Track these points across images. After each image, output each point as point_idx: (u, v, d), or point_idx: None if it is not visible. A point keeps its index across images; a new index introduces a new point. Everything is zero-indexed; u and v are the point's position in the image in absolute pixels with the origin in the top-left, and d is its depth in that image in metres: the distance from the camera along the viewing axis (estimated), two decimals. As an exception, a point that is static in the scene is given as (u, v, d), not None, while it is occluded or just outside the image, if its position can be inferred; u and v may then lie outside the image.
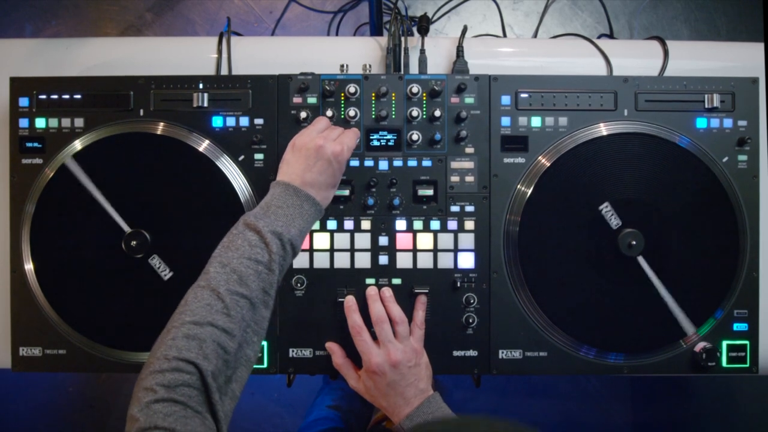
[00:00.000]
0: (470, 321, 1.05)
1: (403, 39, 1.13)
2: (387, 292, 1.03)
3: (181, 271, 1.04)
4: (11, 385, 2.19)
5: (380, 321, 0.99)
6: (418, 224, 1.06)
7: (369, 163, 1.06)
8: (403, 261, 1.06)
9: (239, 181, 1.05)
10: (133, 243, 1.03)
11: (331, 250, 1.06)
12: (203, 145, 1.05)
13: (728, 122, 1.07)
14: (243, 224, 0.87)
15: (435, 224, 1.06)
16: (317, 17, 2.28)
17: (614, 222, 1.04)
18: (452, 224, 1.06)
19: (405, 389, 0.96)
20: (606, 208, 1.04)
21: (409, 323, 1.02)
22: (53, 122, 1.06)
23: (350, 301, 1.03)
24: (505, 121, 1.06)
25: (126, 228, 1.03)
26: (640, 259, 1.04)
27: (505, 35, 2.04)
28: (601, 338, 1.05)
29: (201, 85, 1.06)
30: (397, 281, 1.05)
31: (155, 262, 1.04)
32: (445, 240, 1.06)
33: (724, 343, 1.07)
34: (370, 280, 1.06)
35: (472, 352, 1.06)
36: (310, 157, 0.94)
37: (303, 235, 0.91)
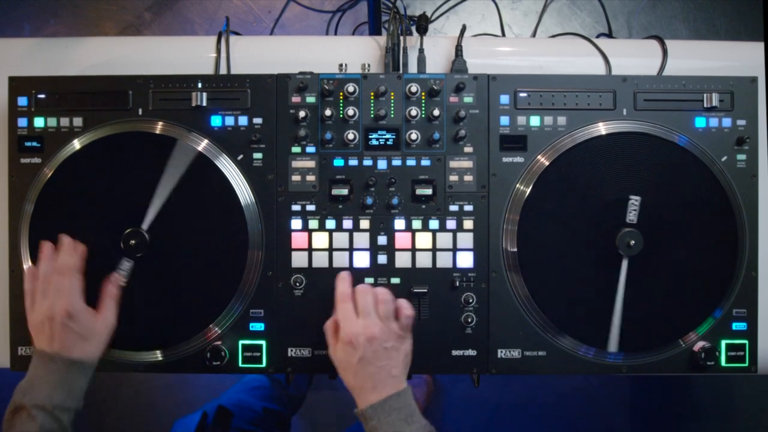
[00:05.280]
0: (469, 320, 1.05)
1: (401, 38, 1.12)
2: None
3: (179, 269, 1.04)
4: (10, 385, 2.19)
5: (363, 293, 0.97)
6: (416, 223, 1.06)
7: (368, 162, 1.06)
8: (402, 260, 1.06)
9: (238, 181, 1.05)
10: (132, 242, 1.03)
11: (330, 250, 1.06)
12: (202, 145, 1.05)
13: (727, 121, 1.07)
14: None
15: (434, 223, 1.06)
16: (316, 16, 2.28)
17: (631, 217, 1.03)
18: (451, 223, 1.06)
19: (376, 371, 0.92)
20: (634, 201, 1.03)
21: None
22: (52, 121, 1.06)
23: (344, 274, 1.01)
24: (504, 120, 1.06)
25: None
26: (623, 263, 1.03)
27: (503, 34, 2.04)
28: (600, 337, 1.05)
29: (200, 85, 1.06)
30: (395, 280, 1.05)
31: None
32: (444, 239, 1.06)
33: (723, 343, 1.07)
34: (368, 280, 1.06)
35: (471, 352, 1.06)
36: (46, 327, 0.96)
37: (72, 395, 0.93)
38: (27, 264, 1.05)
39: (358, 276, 1.05)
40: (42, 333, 0.96)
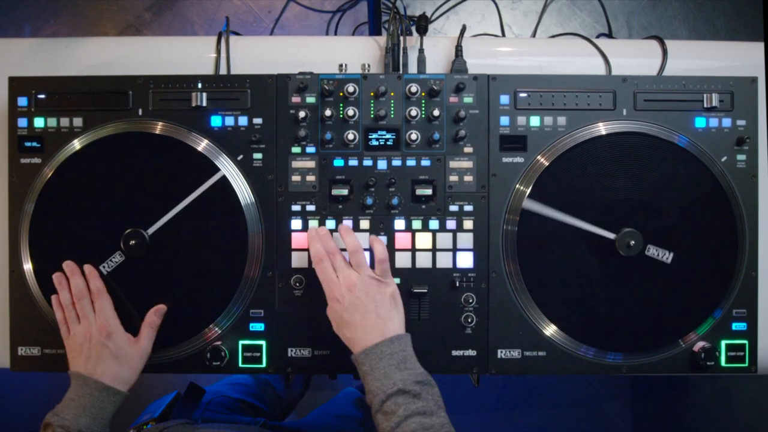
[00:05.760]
0: (469, 320, 1.05)
1: (401, 38, 1.12)
2: (343, 225, 1.03)
3: (179, 270, 1.04)
4: (10, 385, 2.19)
5: (333, 252, 0.98)
6: (416, 224, 1.06)
7: (368, 162, 1.06)
8: (402, 260, 1.06)
9: (238, 181, 1.05)
10: (132, 242, 1.03)
11: (330, 250, 1.06)
12: (202, 145, 1.05)
13: (727, 122, 1.07)
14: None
15: (434, 224, 1.06)
16: (316, 17, 2.28)
17: (664, 257, 1.04)
18: (451, 224, 1.06)
19: (363, 316, 0.93)
20: (652, 251, 1.04)
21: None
22: (52, 122, 1.06)
23: (312, 232, 1.01)
24: (504, 120, 1.06)
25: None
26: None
27: (503, 35, 2.04)
28: (599, 338, 1.05)
29: (200, 85, 1.06)
30: (396, 281, 1.05)
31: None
32: (444, 239, 1.06)
33: (723, 343, 1.07)
34: (368, 280, 1.05)
35: (471, 352, 1.06)
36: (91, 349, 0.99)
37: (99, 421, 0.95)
38: (27, 264, 1.05)
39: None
40: (80, 354, 0.98)
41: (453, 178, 1.06)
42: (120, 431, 1.07)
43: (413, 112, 1.05)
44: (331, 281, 0.96)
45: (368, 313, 0.93)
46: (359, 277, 0.95)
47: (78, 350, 0.98)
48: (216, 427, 1.07)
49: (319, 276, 0.97)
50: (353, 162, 1.06)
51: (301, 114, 1.05)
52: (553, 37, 1.36)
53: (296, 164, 1.06)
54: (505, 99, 1.06)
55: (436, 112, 1.05)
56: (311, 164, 1.06)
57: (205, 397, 1.29)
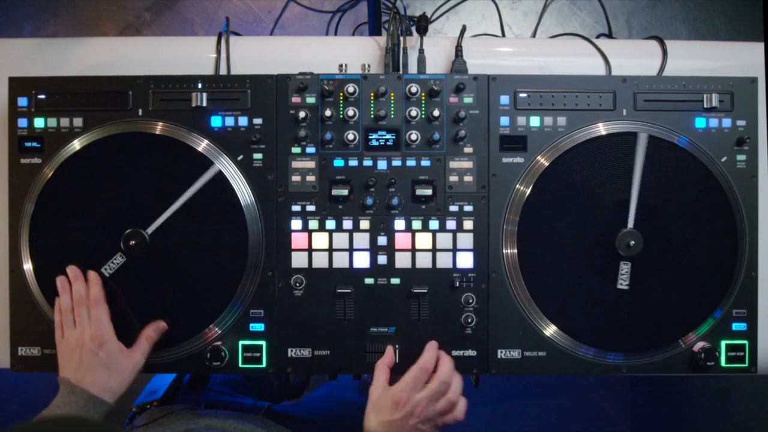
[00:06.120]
0: (469, 321, 1.05)
1: (401, 39, 1.12)
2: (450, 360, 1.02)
3: (179, 270, 1.04)
4: (10, 385, 2.19)
5: (439, 379, 0.97)
6: (416, 224, 1.06)
7: (368, 162, 1.06)
8: (402, 261, 1.06)
9: (238, 181, 1.05)
10: (132, 243, 1.03)
11: (330, 250, 1.06)
12: (202, 145, 1.05)
13: (727, 122, 1.07)
14: None
15: (434, 224, 1.06)
16: (316, 17, 2.28)
17: (622, 281, 1.04)
18: (451, 224, 1.06)
19: None
20: (624, 268, 1.04)
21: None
22: (52, 122, 1.06)
23: (434, 343, 1.02)
24: (504, 120, 1.06)
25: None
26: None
27: (503, 35, 2.04)
28: (599, 338, 1.05)
29: (200, 85, 1.06)
30: (395, 281, 1.06)
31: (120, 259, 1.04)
32: (444, 240, 1.06)
33: (723, 343, 1.07)
34: (369, 280, 1.06)
35: (471, 352, 1.06)
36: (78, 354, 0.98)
37: None
38: (27, 264, 1.05)
39: (357, 276, 1.06)
40: (71, 361, 0.97)
41: (453, 178, 1.06)
42: (122, 409, 1.07)
43: (413, 113, 1.05)
44: (411, 391, 0.95)
45: None
46: (429, 415, 0.94)
47: (69, 356, 0.98)
48: (219, 415, 1.07)
49: (409, 375, 0.96)
50: (353, 162, 1.06)
51: (301, 114, 1.05)
52: (553, 37, 1.37)
53: (296, 164, 1.06)
54: (505, 99, 1.06)
55: (436, 113, 1.05)
56: (311, 164, 1.06)
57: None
